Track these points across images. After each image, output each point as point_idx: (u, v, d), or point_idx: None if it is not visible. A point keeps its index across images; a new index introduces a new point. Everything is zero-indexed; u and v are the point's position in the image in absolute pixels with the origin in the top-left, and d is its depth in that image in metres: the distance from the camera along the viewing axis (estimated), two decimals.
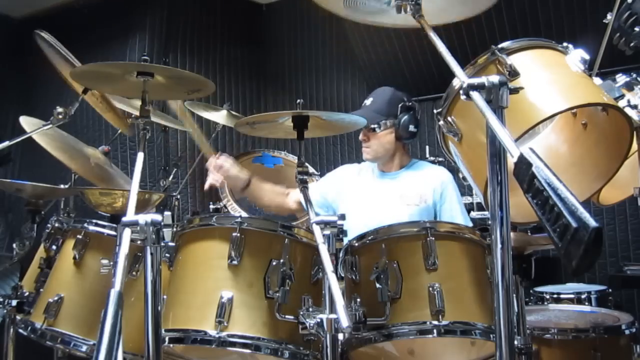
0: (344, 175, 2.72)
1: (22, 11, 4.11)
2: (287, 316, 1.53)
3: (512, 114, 1.12)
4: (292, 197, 2.63)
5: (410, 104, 2.54)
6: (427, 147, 3.53)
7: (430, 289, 1.56)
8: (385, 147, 2.54)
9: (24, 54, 4.06)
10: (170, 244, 1.67)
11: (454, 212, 2.48)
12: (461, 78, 1.13)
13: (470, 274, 1.64)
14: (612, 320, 2.14)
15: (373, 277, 1.59)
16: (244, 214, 2.43)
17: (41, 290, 1.89)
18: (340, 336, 1.57)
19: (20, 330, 1.83)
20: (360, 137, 2.55)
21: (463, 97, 1.09)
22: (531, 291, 2.58)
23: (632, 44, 1.43)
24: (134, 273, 1.82)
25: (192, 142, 3.92)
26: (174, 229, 1.74)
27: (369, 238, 1.69)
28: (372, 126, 2.48)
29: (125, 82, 1.72)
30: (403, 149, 2.61)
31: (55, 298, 1.77)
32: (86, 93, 2.12)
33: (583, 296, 2.50)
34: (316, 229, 1.44)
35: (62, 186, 2.43)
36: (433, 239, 1.61)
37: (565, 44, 1.43)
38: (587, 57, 1.40)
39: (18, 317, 1.95)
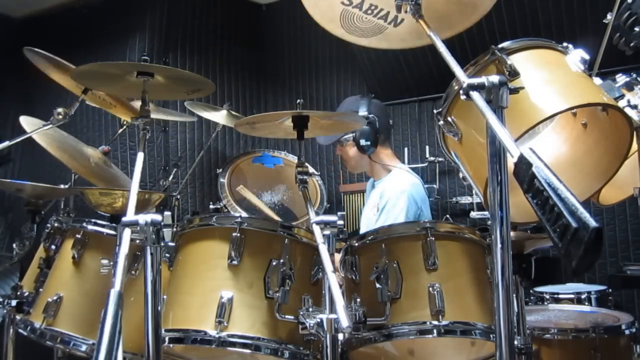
0: None
1: (22, 11, 4.10)
2: (287, 316, 1.53)
3: (512, 114, 1.12)
4: None
5: (365, 114, 2.50)
6: (427, 147, 3.53)
7: (430, 289, 1.56)
8: (355, 160, 2.56)
9: (24, 54, 4.06)
10: (170, 244, 1.68)
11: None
12: (461, 78, 1.13)
13: (470, 274, 1.64)
14: (612, 320, 2.14)
15: (373, 277, 1.59)
16: (244, 214, 2.43)
17: (41, 290, 1.89)
18: (340, 336, 1.57)
19: (20, 330, 1.83)
20: (337, 151, 2.62)
21: (463, 97, 1.09)
22: (531, 291, 2.58)
23: (632, 44, 1.43)
24: (133, 272, 1.82)
25: (192, 142, 3.93)
26: (174, 229, 1.75)
27: (369, 238, 1.69)
28: (340, 139, 2.54)
29: (125, 82, 1.72)
30: (371, 160, 2.59)
31: (55, 298, 1.77)
32: (86, 93, 2.12)
33: (583, 296, 2.50)
34: (316, 229, 1.44)
35: (62, 186, 2.42)
36: (433, 239, 1.61)
37: (565, 44, 1.43)
38: (587, 57, 1.40)
39: (18, 317, 1.95)
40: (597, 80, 1.55)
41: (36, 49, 2.09)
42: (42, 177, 2.89)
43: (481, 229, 1.72)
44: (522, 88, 1.19)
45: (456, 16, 1.53)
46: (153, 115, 1.73)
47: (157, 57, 3.77)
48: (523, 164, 0.88)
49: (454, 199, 3.43)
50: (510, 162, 0.94)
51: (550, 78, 1.37)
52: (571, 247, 0.77)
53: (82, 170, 2.35)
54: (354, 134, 2.51)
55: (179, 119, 3.46)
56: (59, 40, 3.83)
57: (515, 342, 1.60)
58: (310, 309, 1.48)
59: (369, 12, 1.53)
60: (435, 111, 1.46)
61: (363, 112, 2.52)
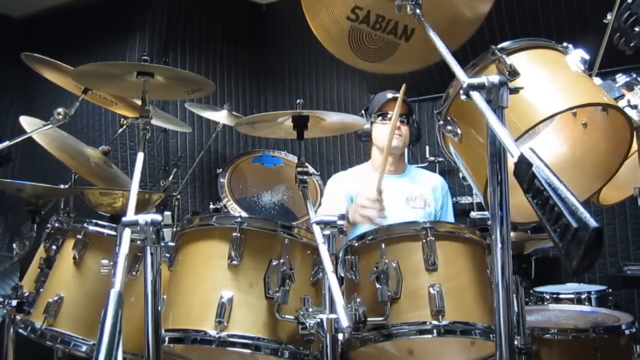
0: (345, 181, 2.66)
1: (22, 11, 4.10)
2: (287, 316, 1.53)
3: (512, 114, 1.12)
4: None
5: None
6: (427, 147, 3.53)
7: (430, 289, 1.56)
8: (406, 141, 2.58)
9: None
10: (170, 244, 1.68)
11: (449, 218, 2.59)
12: (461, 78, 1.13)
13: (470, 274, 1.64)
14: (612, 320, 2.14)
15: (373, 277, 1.59)
16: (244, 214, 2.43)
17: (41, 290, 1.89)
18: (340, 336, 1.57)
19: (20, 330, 1.83)
20: (397, 123, 2.52)
21: (463, 97, 1.09)
22: (531, 291, 2.58)
23: (632, 44, 1.43)
24: (134, 273, 1.82)
25: (192, 142, 3.93)
26: (174, 229, 1.75)
27: (369, 238, 1.69)
28: (406, 113, 2.56)
29: (125, 82, 1.72)
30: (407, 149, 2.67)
31: (55, 298, 1.77)
32: (86, 93, 2.12)
33: (583, 296, 2.50)
34: (316, 229, 1.44)
35: (62, 186, 2.42)
36: (433, 239, 1.61)
37: (565, 44, 1.43)
38: (587, 57, 1.40)
39: (18, 317, 1.95)
40: (597, 80, 1.55)
41: (35, 54, 2.10)
42: (42, 177, 2.90)
43: (481, 229, 1.72)
44: (522, 88, 1.19)
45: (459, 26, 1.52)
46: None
47: (157, 57, 3.77)
48: (523, 164, 0.88)
49: (454, 199, 3.43)
50: (511, 162, 0.94)
51: (550, 78, 1.37)
52: (571, 247, 0.77)
53: (82, 170, 2.35)
54: (412, 119, 2.60)
55: (176, 128, 3.46)
56: (58, 40, 3.83)
57: (515, 342, 1.60)
58: (310, 309, 1.48)
59: (377, 26, 1.50)
60: (435, 111, 1.46)
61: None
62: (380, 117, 2.56)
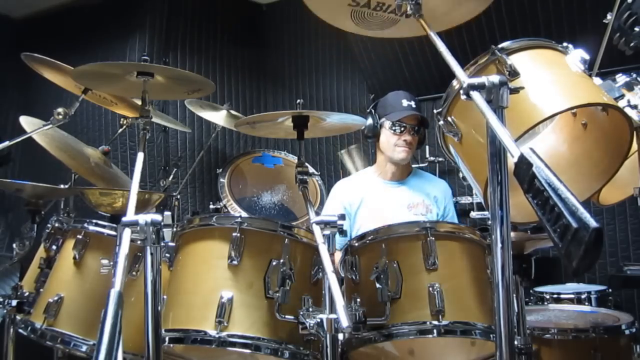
0: (347, 191, 2.66)
1: (22, 11, 4.10)
2: (287, 316, 1.53)
3: (512, 114, 1.12)
4: None
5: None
6: (427, 147, 3.53)
7: (430, 289, 1.56)
8: (414, 151, 2.58)
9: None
10: (170, 244, 1.68)
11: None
12: (461, 78, 1.13)
13: (470, 274, 1.64)
14: (612, 320, 2.14)
15: (373, 277, 1.59)
16: (244, 214, 2.43)
17: (41, 290, 1.89)
18: (340, 336, 1.57)
19: (20, 330, 1.84)
20: (409, 139, 2.50)
21: (463, 97, 1.09)
22: (531, 291, 2.58)
23: (632, 44, 1.43)
24: (134, 273, 1.82)
25: (192, 142, 3.93)
26: (174, 229, 1.75)
27: (369, 238, 1.69)
28: (420, 125, 2.51)
29: (125, 82, 1.72)
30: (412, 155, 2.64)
31: (55, 298, 1.77)
32: (86, 93, 2.12)
33: (583, 296, 2.50)
34: (316, 229, 1.44)
35: (62, 186, 2.42)
36: (433, 239, 1.61)
37: (565, 44, 1.43)
38: (587, 57, 1.40)
39: (18, 317, 1.95)
40: (597, 80, 1.55)
41: (35, 54, 2.10)
42: (42, 177, 2.89)
43: (481, 229, 1.72)
44: (522, 88, 1.19)
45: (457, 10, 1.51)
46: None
47: (157, 57, 3.77)
48: (523, 164, 0.88)
49: (454, 199, 3.42)
50: (511, 162, 0.94)
51: (550, 78, 1.37)
52: (572, 248, 0.77)
53: (82, 170, 2.35)
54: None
55: (176, 127, 3.46)
56: (59, 40, 3.83)
57: (515, 342, 1.60)
58: (310, 309, 1.48)
59: (378, 8, 1.50)
60: (435, 111, 1.46)
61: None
62: (391, 126, 2.49)
